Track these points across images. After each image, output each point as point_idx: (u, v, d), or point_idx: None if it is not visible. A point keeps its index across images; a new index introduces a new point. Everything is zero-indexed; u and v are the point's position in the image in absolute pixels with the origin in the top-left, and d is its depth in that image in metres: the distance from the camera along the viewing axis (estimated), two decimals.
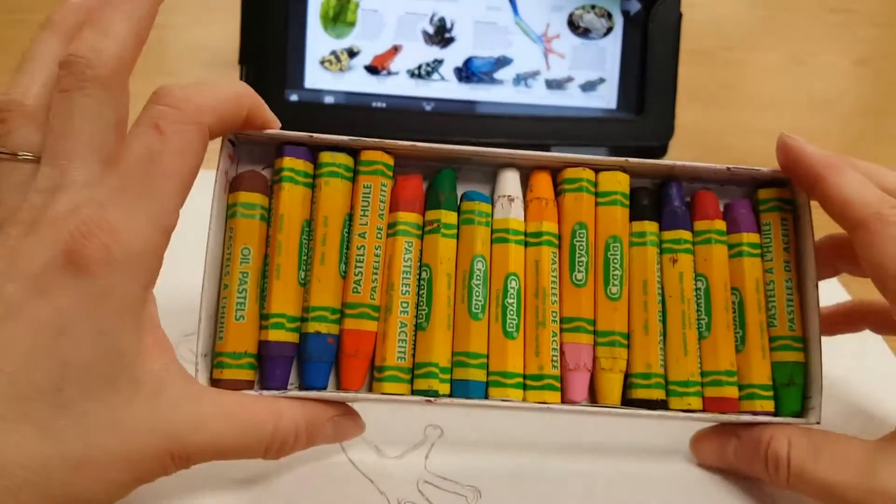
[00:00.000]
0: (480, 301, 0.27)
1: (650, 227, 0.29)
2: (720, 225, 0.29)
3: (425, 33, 0.51)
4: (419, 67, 0.51)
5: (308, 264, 0.27)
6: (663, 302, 0.28)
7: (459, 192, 0.29)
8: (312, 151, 0.28)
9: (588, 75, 0.52)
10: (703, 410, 0.28)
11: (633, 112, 0.52)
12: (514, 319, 0.27)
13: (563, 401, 0.27)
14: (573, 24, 0.52)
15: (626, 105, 0.52)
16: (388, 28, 0.50)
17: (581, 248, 0.28)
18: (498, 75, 0.51)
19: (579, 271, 0.28)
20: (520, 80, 0.52)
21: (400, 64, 0.51)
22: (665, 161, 0.28)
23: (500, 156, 0.28)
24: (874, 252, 0.26)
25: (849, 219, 0.26)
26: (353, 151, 0.28)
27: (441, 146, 0.28)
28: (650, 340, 0.28)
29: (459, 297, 0.27)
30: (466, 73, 0.51)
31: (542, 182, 0.29)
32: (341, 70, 0.50)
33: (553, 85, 0.52)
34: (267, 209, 0.27)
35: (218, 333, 0.26)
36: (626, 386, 0.28)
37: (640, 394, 0.28)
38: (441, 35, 0.51)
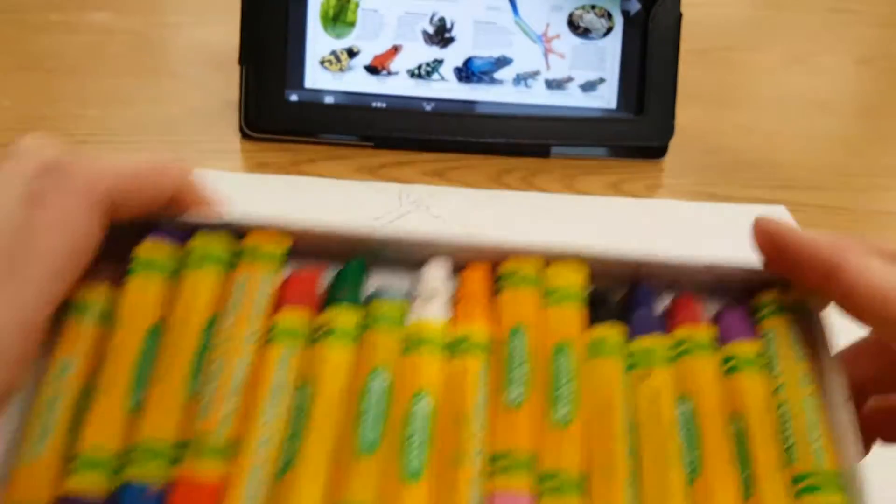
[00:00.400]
0: (373, 430, 0.20)
1: (613, 332, 0.22)
2: (706, 330, 0.22)
3: (425, 33, 0.51)
4: (419, 67, 0.51)
5: (146, 382, 0.20)
6: (633, 431, 0.21)
7: (373, 288, 0.22)
8: (190, 233, 0.22)
9: (588, 75, 0.52)
10: None
11: (633, 112, 0.52)
12: (419, 455, 0.20)
13: None
14: (573, 24, 0.52)
15: (626, 105, 0.52)
16: (388, 28, 0.50)
17: (520, 356, 0.21)
18: (498, 75, 0.51)
19: (516, 387, 0.21)
20: (520, 80, 0.52)
21: (400, 64, 0.51)
22: (632, 254, 0.23)
23: (427, 243, 0.22)
24: None
25: (888, 316, 0.20)
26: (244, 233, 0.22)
27: (351, 229, 0.22)
28: (614, 484, 0.20)
29: (347, 426, 0.20)
30: (466, 73, 0.51)
31: (477, 275, 0.23)
32: (341, 70, 0.50)
33: (553, 85, 0.52)
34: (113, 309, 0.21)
35: (4, 478, 0.19)
36: None
37: None
38: (441, 35, 0.51)
